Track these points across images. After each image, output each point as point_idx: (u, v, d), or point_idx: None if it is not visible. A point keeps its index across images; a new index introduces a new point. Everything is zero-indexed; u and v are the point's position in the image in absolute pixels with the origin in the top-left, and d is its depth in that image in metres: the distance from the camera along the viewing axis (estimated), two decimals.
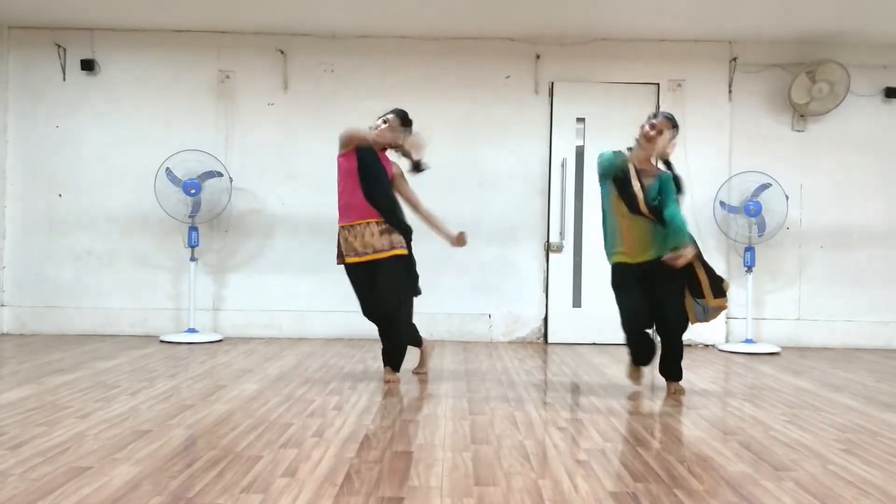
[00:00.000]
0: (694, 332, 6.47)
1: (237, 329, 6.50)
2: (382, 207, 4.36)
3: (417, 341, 4.75)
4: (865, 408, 4.00)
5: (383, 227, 4.35)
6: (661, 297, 4.16)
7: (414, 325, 4.63)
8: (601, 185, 4.27)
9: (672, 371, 4.33)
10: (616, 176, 4.17)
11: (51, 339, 6.12)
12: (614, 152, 4.22)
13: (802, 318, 6.63)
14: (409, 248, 4.46)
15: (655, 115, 4.25)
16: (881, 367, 5.58)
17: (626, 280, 4.21)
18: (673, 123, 4.20)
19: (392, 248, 4.34)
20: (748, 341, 6.28)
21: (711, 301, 4.17)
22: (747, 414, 3.84)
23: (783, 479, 2.69)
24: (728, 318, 6.55)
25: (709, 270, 4.20)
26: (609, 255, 4.28)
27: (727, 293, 4.22)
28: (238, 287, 6.55)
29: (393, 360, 4.50)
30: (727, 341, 6.49)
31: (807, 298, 6.64)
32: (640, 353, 4.37)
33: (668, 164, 4.28)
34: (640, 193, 4.11)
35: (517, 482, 2.60)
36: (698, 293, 4.19)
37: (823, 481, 2.67)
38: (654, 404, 4.08)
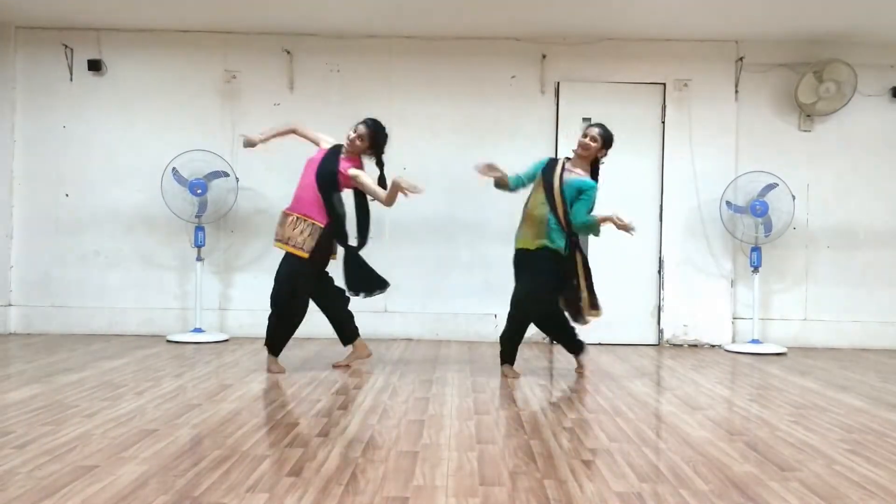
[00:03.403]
0: (700, 333, 6.49)
1: (243, 329, 6.50)
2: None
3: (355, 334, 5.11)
4: (872, 408, 3.99)
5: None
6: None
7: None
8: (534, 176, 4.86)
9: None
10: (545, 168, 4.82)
11: (58, 339, 6.14)
12: (551, 159, 4.90)
13: (809, 319, 6.61)
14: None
15: (591, 126, 4.77)
16: (888, 367, 5.56)
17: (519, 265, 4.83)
18: (605, 138, 4.68)
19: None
20: (754, 342, 6.26)
21: (587, 310, 4.65)
22: (753, 414, 3.83)
23: (789, 479, 2.68)
24: (734, 318, 6.54)
25: (590, 284, 4.65)
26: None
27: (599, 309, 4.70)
28: (244, 287, 6.56)
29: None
30: (733, 341, 6.47)
31: (813, 299, 6.61)
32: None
33: (595, 169, 4.76)
34: (557, 180, 4.67)
35: (522, 482, 2.60)
36: (575, 300, 4.65)
37: (829, 482, 2.66)
38: (660, 405, 4.08)
